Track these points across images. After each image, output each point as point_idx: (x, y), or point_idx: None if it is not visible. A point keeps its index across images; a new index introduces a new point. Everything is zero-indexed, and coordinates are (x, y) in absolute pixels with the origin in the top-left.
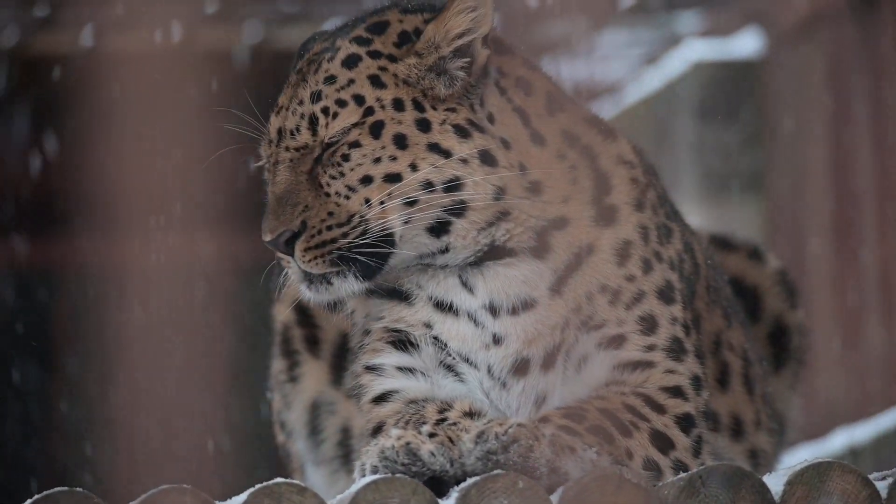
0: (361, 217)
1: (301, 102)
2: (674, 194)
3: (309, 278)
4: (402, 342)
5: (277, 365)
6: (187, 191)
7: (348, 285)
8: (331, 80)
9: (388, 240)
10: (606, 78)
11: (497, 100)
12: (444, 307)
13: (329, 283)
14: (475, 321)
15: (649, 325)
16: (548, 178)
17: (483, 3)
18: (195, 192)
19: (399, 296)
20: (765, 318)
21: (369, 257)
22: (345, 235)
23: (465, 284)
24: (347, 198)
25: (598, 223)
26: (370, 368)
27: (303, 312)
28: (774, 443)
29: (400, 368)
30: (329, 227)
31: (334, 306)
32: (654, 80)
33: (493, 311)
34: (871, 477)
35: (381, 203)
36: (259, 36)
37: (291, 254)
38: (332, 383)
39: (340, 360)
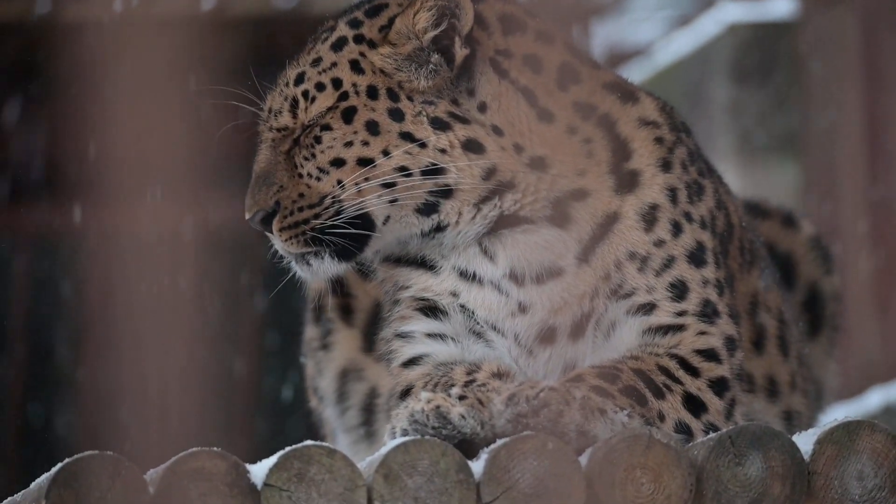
0: (334, 198)
1: (287, 84)
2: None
3: (293, 257)
4: (431, 309)
5: (310, 332)
6: (208, 156)
7: (325, 266)
8: (317, 62)
9: (366, 223)
10: (638, 40)
11: (494, 87)
12: (467, 276)
13: (308, 263)
14: (499, 289)
15: (680, 290)
16: (555, 153)
17: (457, 2)
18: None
19: (425, 265)
20: (799, 285)
21: (345, 239)
22: (317, 216)
23: (485, 252)
24: (318, 179)
25: (619, 191)
26: (400, 335)
27: (337, 281)
28: (809, 404)
29: (429, 335)
30: (300, 208)
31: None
32: (686, 42)
33: (517, 279)
34: None
35: (356, 185)
36: (292, 1)
37: (272, 232)
38: (362, 350)
39: (373, 328)
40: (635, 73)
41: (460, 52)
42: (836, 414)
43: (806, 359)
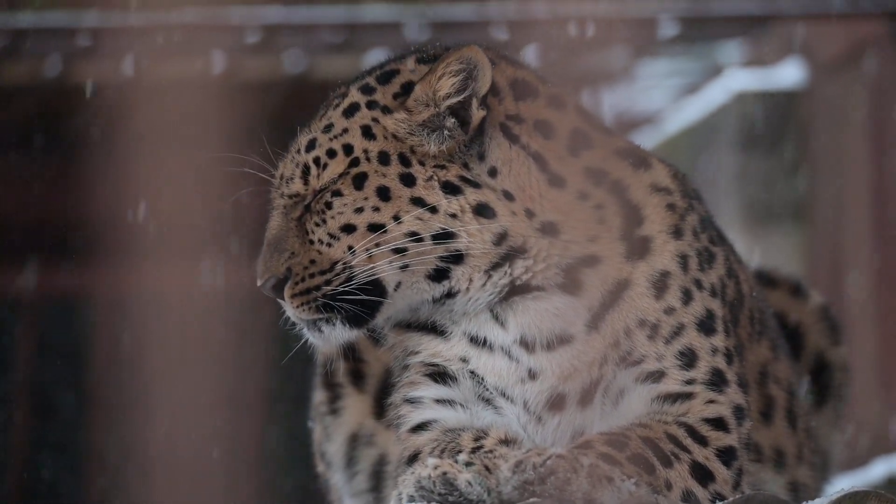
0: (345, 264)
1: (298, 151)
2: None
3: (304, 323)
4: (440, 375)
5: (319, 396)
6: (222, 219)
7: (337, 333)
8: (328, 128)
9: (377, 289)
10: (647, 108)
11: (504, 152)
12: (478, 342)
13: (320, 329)
14: (509, 356)
15: (689, 358)
16: (566, 219)
17: (476, 64)
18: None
19: (435, 331)
20: (807, 355)
21: (356, 305)
22: (328, 282)
23: (496, 319)
24: (329, 245)
25: (630, 257)
26: (409, 401)
27: (348, 346)
28: (816, 477)
29: (438, 401)
30: (312, 275)
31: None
32: (695, 109)
33: (527, 345)
34: None
35: (367, 251)
36: (301, 66)
37: (283, 298)
38: (374, 416)
39: (385, 394)
40: (644, 141)
41: (477, 114)
42: (841, 484)
43: (813, 431)
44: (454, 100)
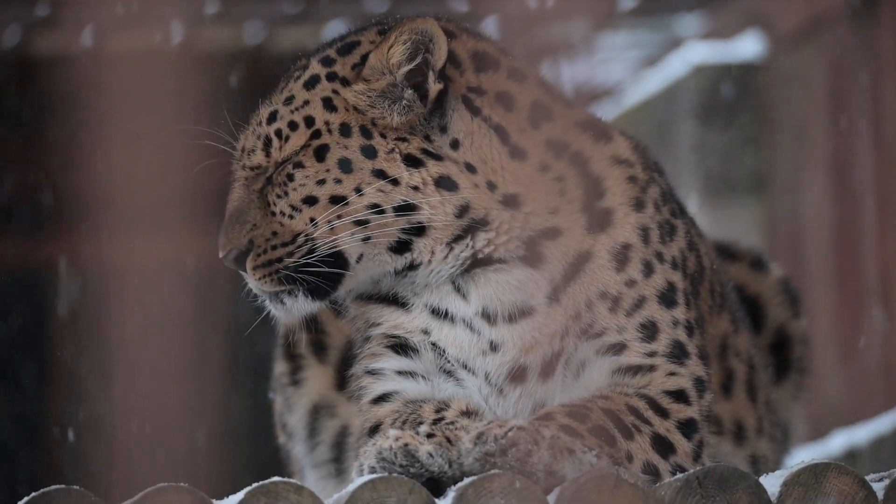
0: (307, 236)
1: (260, 123)
2: None
3: (266, 295)
4: (401, 346)
5: (280, 367)
6: (182, 191)
7: (299, 305)
8: (289, 100)
9: (339, 261)
10: (607, 80)
11: (466, 124)
12: (439, 314)
13: (282, 301)
14: (471, 328)
15: (650, 331)
16: (528, 191)
17: (431, 37)
18: (190, 192)
19: (397, 302)
20: (767, 328)
21: (318, 277)
22: (290, 254)
23: (458, 290)
24: (291, 217)
25: (591, 230)
26: (370, 372)
27: (310, 317)
28: (776, 449)
29: (400, 372)
30: (273, 247)
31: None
32: (654, 82)
33: (489, 318)
34: (867, 478)
35: (329, 223)
36: (260, 37)
37: (245, 270)
38: (335, 387)
39: (347, 365)
40: (604, 113)
41: (434, 86)
42: (801, 457)
43: (773, 403)
44: (407, 67)
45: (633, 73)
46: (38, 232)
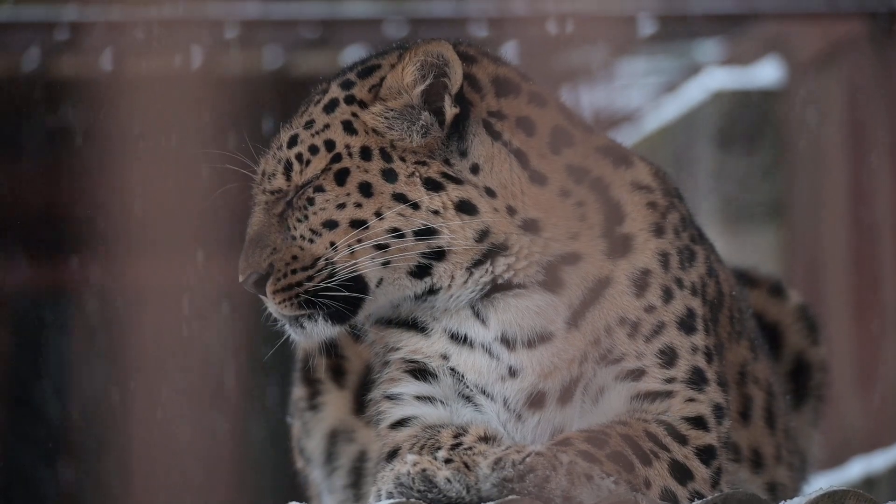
0: (327, 260)
1: (280, 147)
2: None
3: (286, 320)
4: (420, 371)
5: (298, 392)
6: (202, 214)
7: (319, 329)
8: (309, 124)
9: (359, 285)
10: (626, 106)
11: (486, 148)
12: (458, 339)
13: (301, 326)
14: (490, 353)
15: (669, 357)
16: (548, 216)
17: (447, 61)
18: (209, 216)
19: (416, 327)
20: (786, 355)
21: (338, 301)
22: (310, 279)
23: (477, 315)
24: (311, 241)
25: (611, 255)
26: (389, 397)
27: (329, 342)
28: (794, 477)
29: (418, 397)
30: (294, 271)
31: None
32: (673, 108)
33: (508, 343)
34: None
35: (349, 247)
36: (279, 62)
37: (265, 294)
38: (353, 412)
39: (365, 389)
40: (623, 139)
41: (450, 110)
42: (818, 484)
43: (792, 431)
44: (421, 87)
45: (652, 99)
46: (59, 254)
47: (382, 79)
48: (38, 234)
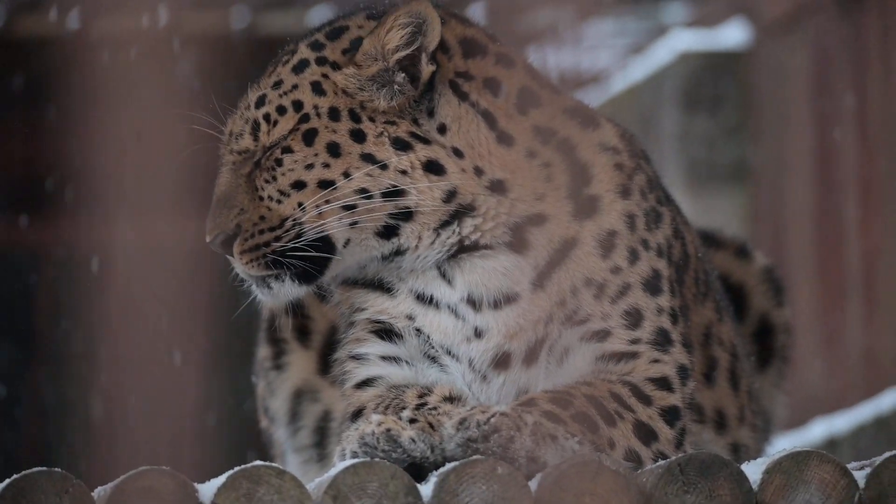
0: (295, 221)
1: (248, 106)
2: None
3: (253, 280)
4: (386, 332)
5: (263, 352)
6: (171, 174)
7: (286, 289)
8: (278, 84)
9: (326, 246)
10: (593, 67)
11: (454, 109)
12: (424, 299)
13: (269, 286)
14: (456, 314)
15: (634, 318)
16: (515, 177)
17: (425, 19)
18: (179, 175)
19: (381, 287)
20: (750, 317)
21: (305, 262)
22: (277, 239)
23: (443, 276)
24: (279, 202)
25: (578, 216)
26: (354, 357)
27: (295, 302)
28: (758, 438)
29: (384, 357)
30: (261, 231)
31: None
32: (639, 69)
33: (474, 304)
34: (849, 466)
35: (317, 207)
36: (246, 21)
37: (232, 255)
38: (318, 372)
39: (330, 350)
40: (589, 100)
41: (427, 69)
42: (781, 445)
43: (756, 392)
44: (403, 53)
45: (619, 60)
46: (23, 213)
47: (353, 40)
48: (4, 193)
